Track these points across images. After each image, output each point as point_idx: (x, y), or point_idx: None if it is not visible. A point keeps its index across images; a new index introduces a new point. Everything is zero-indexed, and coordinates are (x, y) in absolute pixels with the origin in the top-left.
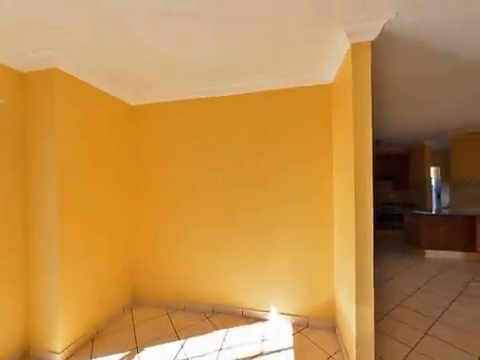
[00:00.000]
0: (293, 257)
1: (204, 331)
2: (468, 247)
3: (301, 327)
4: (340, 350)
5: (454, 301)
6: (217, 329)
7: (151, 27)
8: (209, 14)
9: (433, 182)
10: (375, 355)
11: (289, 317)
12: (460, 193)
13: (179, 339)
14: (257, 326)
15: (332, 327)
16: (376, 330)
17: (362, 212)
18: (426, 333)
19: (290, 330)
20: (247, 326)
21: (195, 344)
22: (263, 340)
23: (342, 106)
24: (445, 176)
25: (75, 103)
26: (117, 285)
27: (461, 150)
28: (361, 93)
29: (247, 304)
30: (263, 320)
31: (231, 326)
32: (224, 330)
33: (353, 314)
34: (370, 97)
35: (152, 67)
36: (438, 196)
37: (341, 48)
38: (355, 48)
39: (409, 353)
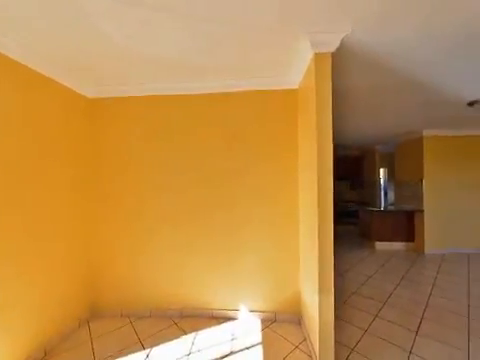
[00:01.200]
0: (262, 256)
1: (172, 337)
2: (408, 238)
3: (269, 322)
4: (305, 340)
5: (398, 286)
6: (186, 333)
7: (113, 15)
8: (177, 9)
9: (382, 182)
10: (335, 340)
11: (258, 314)
12: (402, 191)
13: (144, 349)
14: (227, 326)
15: (298, 320)
16: (336, 317)
17: (324, 210)
18: (376, 316)
19: (259, 326)
20: (217, 327)
21: (162, 352)
22: (233, 339)
23: (307, 111)
24: (391, 176)
25: (15, 90)
26: (72, 296)
27: (403, 154)
28: (323, 100)
29: (217, 305)
30: (233, 319)
31: (200, 329)
32: (193, 333)
33: (316, 305)
34: (331, 104)
35: (114, 58)
36: (385, 194)
37: (306, 56)
38: (318, 57)
39: (363, 335)
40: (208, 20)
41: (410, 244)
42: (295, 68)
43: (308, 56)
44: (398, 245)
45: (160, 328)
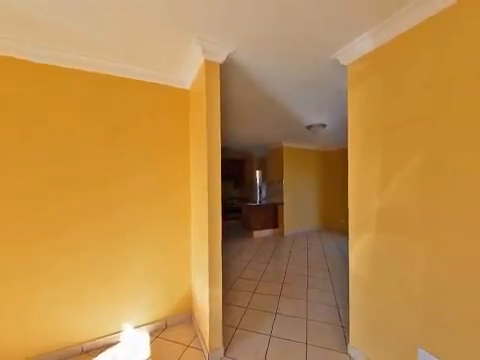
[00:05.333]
0: (150, 261)
1: None
2: (274, 225)
3: (159, 331)
4: (196, 336)
5: (268, 263)
6: None
7: None
8: None
9: (257, 181)
10: (223, 324)
11: (146, 327)
12: (271, 189)
13: None
14: (106, 355)
15: (189, 318)
16: (223, 303)
17: (213, 208)
18: (254, 292)
19: (147, 340)
20: None
21: None
22: None
23: (197, 114)
24: (264, 177)
25: None
26: None
27: (271, 159)
28: (212, 106)
29: (88, 336)
30: (114, 344)
31: None
32: None
33: (206, 298)
34: (219, 110)
35: None
36: (260, 191)
37: (197, 60)
38: (208, 65)
39: (245, 312)
40: None
41: (276, 230)
42: (188, 69)
43: (199, 61)
44: (268, 231)
45: None
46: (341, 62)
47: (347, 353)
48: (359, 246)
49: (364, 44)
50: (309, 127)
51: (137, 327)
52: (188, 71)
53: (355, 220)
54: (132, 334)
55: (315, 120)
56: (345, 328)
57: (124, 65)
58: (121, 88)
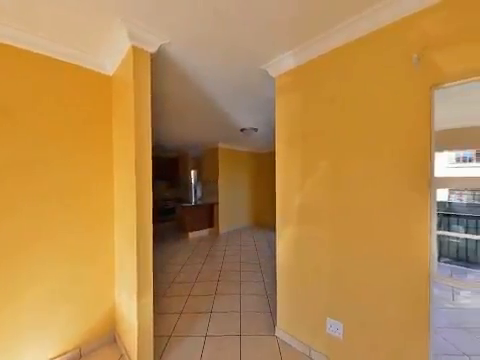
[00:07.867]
0: (58, 280)
1: None
2: (210, 224)
3: None
4: (122, 355)
5: (204, 264)
6: None
7: None
8: None
9: (193, 181)
10: (154, 335)
11: None
12: (206, 188)
13: None
14: None
15: (113, 338)
16: (155, 313)
17: (142, 209)
18: (189, 295)
19: None
20: None
21: None
22: None
23: (123, 104)
24: (199, 176)
25: None
26: None
27: (207, 159)
28: (142, 98)
29: None
30: None
31: None
32: None
33: (135, 310)
34: (149, 104)
35: None
36: (195, 191)
37: (122, 45)
38: (137, 52)
39: (179, 318)
40: None
41: (212, 229)
42: (108, 51)
43: (125, 46)
44: (204, 231)
45: None
46: (269, 73)
47: (274, 335)
48: (284, 238)
49: (288, 61)
50: (243, 130)
51: None
52: (110, 55)
53: (281, 215)
54: None
55: (248, 124)
56: (273, 314)
57: (17, 31)
58: (15, 59)
